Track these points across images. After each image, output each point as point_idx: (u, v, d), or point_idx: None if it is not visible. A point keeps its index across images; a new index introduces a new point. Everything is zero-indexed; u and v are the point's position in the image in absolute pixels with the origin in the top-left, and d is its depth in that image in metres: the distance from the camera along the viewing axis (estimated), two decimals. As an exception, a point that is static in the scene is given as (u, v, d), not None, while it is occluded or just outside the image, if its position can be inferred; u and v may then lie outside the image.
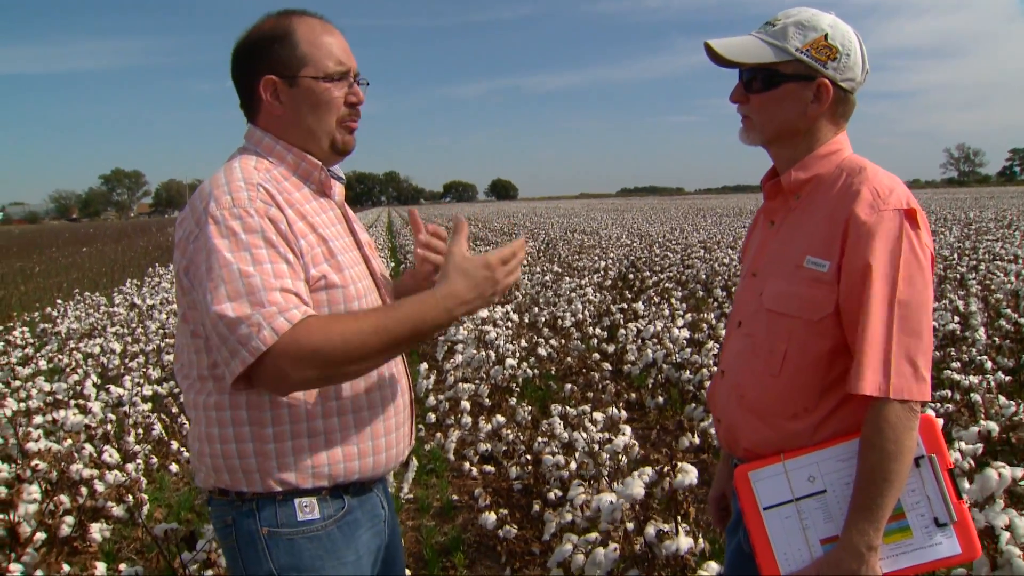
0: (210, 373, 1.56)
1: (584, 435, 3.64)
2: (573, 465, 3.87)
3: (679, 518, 2.56)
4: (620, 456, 3.53)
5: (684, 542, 2.46)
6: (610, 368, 6.75)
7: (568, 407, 4.65)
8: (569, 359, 7.12)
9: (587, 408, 4.42)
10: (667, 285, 10.59)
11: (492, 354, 6.25)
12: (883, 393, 1.47)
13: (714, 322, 7.31)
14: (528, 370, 6.28)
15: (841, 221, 1.53)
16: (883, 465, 1.47)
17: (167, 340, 8.05)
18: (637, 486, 2.59)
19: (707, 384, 5.33)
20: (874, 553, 1.48)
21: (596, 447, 3.56)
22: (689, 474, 2.56)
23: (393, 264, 17.56)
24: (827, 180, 1.62)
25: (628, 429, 3.93)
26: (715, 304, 9.12)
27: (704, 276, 11.25)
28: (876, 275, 1.49)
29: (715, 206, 53.86)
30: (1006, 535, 2.62)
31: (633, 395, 6.28)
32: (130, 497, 4.09)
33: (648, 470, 2.80)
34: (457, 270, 1.56)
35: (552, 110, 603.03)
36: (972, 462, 3.11)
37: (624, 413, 4.62)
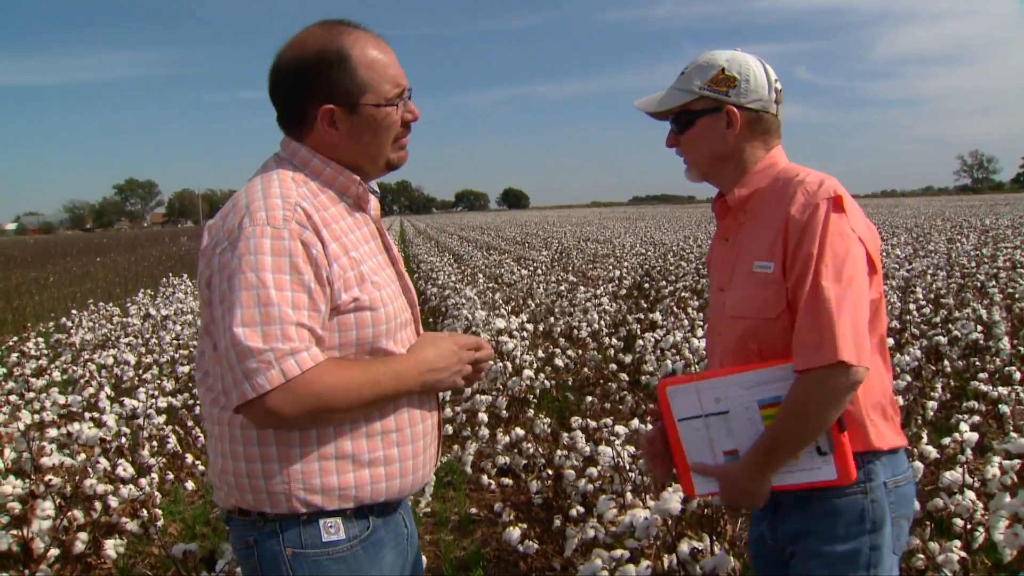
0: None
1: (611, 449, 3.56)
2: (597, 479, 3.79)
3: (715, 536, 2.48)
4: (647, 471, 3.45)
5: (723, 561, 2.39)
6: (627, 379, 6.67)
7: (588, 419, 4.57)
8: (586, 370, 7.04)
9: (608, 421, 4.34)
10: (683, 295, 10.49)
11: (509, 365, 6.18)
12: (822, 362, 1.56)
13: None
14: (545, 381, 6.20)
15: (781, 224, 1.69)
16: (798, 429, 1.63)
17: (181, 351, 8.02)
18: (673, 501, 2.53)
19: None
20: (768, 475, 1.69)
21: (623, 461, 3.49)
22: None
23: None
24: (767, 192, 1.79)
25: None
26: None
27: (720, 285, 11.12)
28: (811, 261, 1.63)
29: (727, 214, 53.65)
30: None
31: (651, 406, 6.19)
32: (144, 512, 4.03)
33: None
34: (429, 340, 1.67)
35: (563, 119, 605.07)
36: (1014, 477, 3.02)
37: (648, 426, 4.54)
